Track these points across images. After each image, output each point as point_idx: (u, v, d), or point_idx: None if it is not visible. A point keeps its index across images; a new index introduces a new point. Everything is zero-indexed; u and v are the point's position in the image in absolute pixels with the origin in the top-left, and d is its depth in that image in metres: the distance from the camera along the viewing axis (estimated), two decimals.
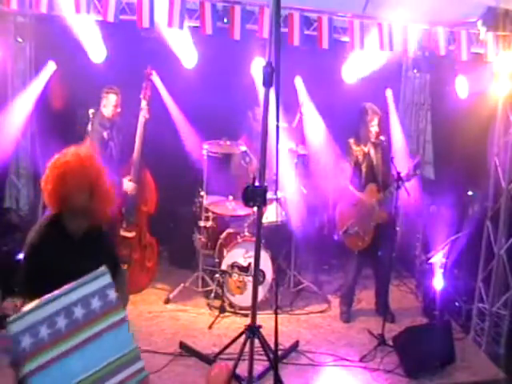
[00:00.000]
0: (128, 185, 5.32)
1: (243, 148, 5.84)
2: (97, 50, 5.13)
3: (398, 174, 4.95)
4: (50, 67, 5.64)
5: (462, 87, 5.50)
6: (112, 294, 2.30)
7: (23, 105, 5.68)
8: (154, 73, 5.42)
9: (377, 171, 5.33)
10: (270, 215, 5.66)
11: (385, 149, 5.39)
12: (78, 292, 2.22)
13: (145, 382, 2.40)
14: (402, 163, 5.42)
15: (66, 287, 2.21)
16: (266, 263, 5.37)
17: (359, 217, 5.29)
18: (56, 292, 2.19)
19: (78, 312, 2.19)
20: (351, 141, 5.33)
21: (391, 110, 6.58)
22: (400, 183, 4.94)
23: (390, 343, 4.90)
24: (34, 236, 2.62)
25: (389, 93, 6.53)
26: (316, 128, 6.31)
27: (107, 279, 2.32)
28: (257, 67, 5.72)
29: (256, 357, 3.88)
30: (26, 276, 2.61)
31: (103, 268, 2.36)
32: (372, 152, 5.30)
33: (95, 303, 2.25)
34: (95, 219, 2.72)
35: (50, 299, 2.14)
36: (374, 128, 5.21)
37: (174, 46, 5.20)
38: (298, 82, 6.25)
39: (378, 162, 5.32)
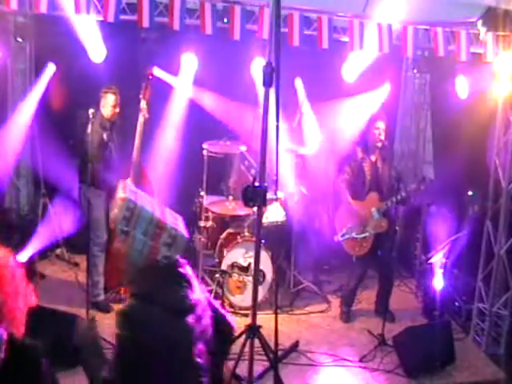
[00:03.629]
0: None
1: (243, 148, 5.83)
2: (97, 50, 5.10)
3: (399, 185, 4.99)
4: (50, 69, 5.63)
5: (462, 87, 5.49)
6: None
7: (25, 107, 5.68)
8: (154, 73, 5.40)
9: (382, 181, 5.33)
10: (270, 215, 5.65)
11: (390, 158, 5.42)
12: None
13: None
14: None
15: None
16: (266, 263, 5.37)
17: (356, 223, 5.30)
18: None
19: None
20: (359, 149, 5.33)
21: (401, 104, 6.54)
22: (403, 196, 5.05)
23: (390, 343, 4.90)
24: None
25: (387, 87, 6.49)
26: (316, 128, 6.31)
27: None
28: (257, 67, 5.71)
29: (256, 357, 3.85)
30: None
31: None
32: (379, 162, 5.31)
33: None
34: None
35: None
36: (379, 135, 5.19)
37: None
38: (298, 83, 6.24)
39: (384, 172, 5.32)
